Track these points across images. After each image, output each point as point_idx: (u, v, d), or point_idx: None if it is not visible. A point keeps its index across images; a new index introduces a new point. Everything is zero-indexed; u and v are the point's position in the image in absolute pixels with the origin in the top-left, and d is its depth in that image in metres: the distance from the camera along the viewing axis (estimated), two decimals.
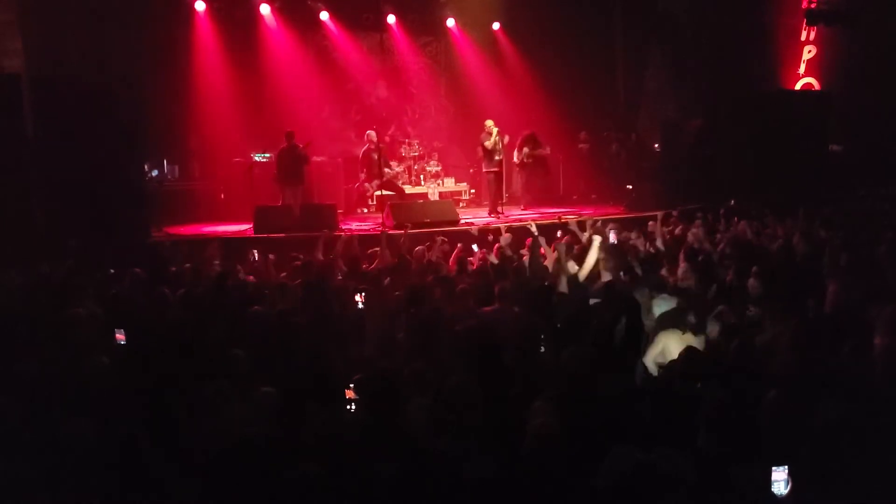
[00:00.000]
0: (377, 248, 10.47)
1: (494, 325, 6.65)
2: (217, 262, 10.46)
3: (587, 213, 14.76)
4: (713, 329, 6.42)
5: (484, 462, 4.09)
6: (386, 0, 18.36)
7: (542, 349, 6.21)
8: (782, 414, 4.57)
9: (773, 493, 3.92)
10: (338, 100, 18.83)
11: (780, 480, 3.92)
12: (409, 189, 16.98)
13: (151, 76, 15.32)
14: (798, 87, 18.98)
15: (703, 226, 10.79)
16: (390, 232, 12.00)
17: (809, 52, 18.94)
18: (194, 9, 16.64)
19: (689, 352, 5.48)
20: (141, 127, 13.37)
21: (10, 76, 12.42)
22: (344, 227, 14.05)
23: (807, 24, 18.31)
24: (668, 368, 5.67)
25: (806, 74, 19.04)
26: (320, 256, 10.15)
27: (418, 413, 4.94)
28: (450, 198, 16.85)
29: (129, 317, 7.14)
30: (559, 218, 12.12)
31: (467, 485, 3.98)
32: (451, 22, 19.14)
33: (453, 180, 18.26)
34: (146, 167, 15.29)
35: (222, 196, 16.86)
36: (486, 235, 11.50)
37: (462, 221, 14.17)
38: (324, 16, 17.99)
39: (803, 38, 18.84)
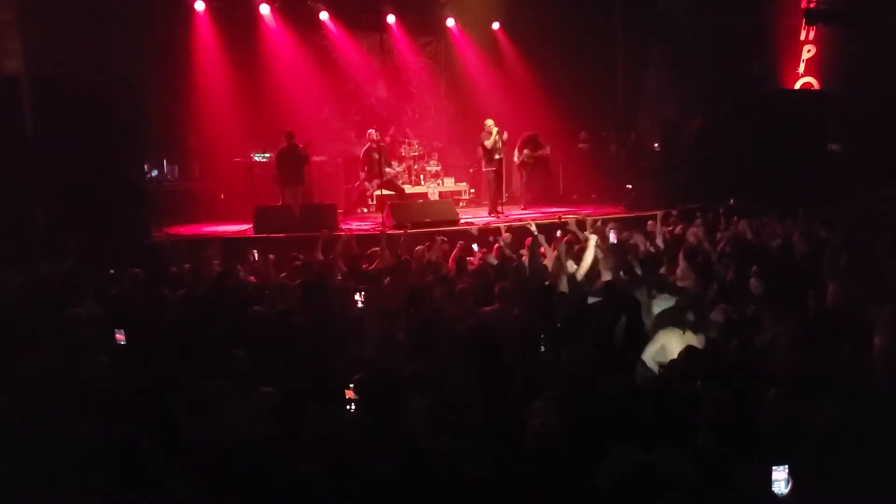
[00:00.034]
0: (377, 248, 10.47)
1: (494, 325, 6.65)
2: (217, 262, 10.45)
3: (587, 212, 14.77)
4: (713, 328, 6.42)
5: (484, 462, 4.09)
6: (386, 0, 18.35)
7: (542, 349, 6.21)
8: (782, 414, 4.57)
9: (773, 493, 3.92)
10: (338, 100, 18.84)
11: (780, 480, 3.93)
12: (408, 189, 16.98)
13: (151, 76, 15.32)
14: (797, 86, 18.98)
15: (703, 225, 10.78)
16: (390, 232, 12.00)
17: (809, 51, 18.94)
18: (194, 9, 16.64)
19: (688, 351, 5.48)
20: (141, 127, 13.38)
21: (10, 76, 12.42)
22: (344, 227, 14.06)
23: (806, 23, 18.29)
24: (668, 368, 5.67)
25: (805, 74, 19.04)
26: (320, 256, 10.15)
27: (418, 413, 4.94)
28: (450, 197, 16.86)
29: (128, 317, 7.15)
30: (559, 218, 12.12)
31: (467, 485, 3.98)
32: (450, 22, 19.13)
33: (453, 180, 18.27)
34: (146, 167, 15.29)
35: (222, 196, 16.86)
36: (485, 235, 11.49)
37: (462, 221, 14.17)
38: (323, 16, 18.00)
39: (802, 37, 18.84)
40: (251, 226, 13.77)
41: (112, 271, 9.44)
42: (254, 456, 4.28)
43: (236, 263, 10.05)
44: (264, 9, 17.45)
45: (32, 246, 10.97)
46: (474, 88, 19.08)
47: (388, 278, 8.85)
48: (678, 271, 8.33)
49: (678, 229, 11.53)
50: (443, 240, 11.23)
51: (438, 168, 18.02)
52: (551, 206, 16.52)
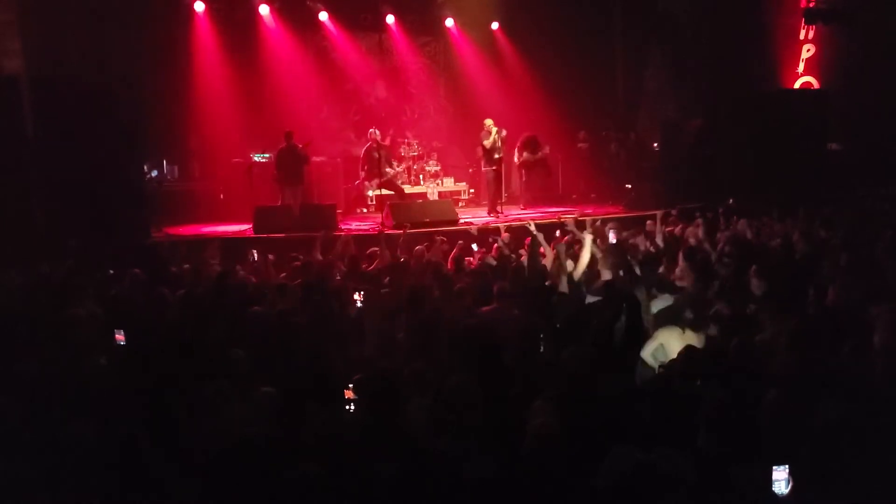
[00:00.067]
0: (376, 248, 10.47)
1: (493, 325, 6.65)
2: (217, 262, 10.45)
3: (587, 212, 14.76)
4: (712, 328, 6.43)
5: (484, 462, 4.09)
6: (385, 0, 18.35)
7: (542, 349, 6.21)
8: (782, 414, 4.57)
9: (773, 493, 3.92)
10: (337, 100, 18.85)
11: (780, 480, 3.93)
12: (408, 189, 16.97)
13: (151, 77, 15.33)
14: (797, 85, 18.98)
15: (703, 225, 10.78)
16: (389, 232, 12.00)
17: (808, 50, 18.94)
18: (193, 9, 16.64)
19: (688, 351, 5.48)
20: (140, 127, 13.38)
21: (10, 77, 12.42)
22: (343, 227, 14.06)
23: (805, 23, 18.31)
24: (667, 367, 5.67)
25: (805, 73, 19.04)
26: (319, 257, 10.14)
27: (418, 413, 4.94)
28: (449, 197, 16.86)
29: (128, 317, 7.15)
30: (559, 218, 12.12)
31: (467, 485, 3.98)
32: (449, 22, 19.14)
33: (452, 180, 18.27)
34: (146, 167, 15.29)
35: (222, 196, 16.87)
36: (485, 235, 11.49)
37: (461, 221, 14.17)
38: (323, 16, 18.00)
39: (802, 37, 18.84)
40: (251, 226, 13.77)
41: (112, 271, 9.44)
42: (254, 456, 4.28)
43: (236, 263, 10.05)
44: (264, 9, 17.45)
45: (32, 246, 10.98)
46: (473, 88, 19.08)
47: (388, 278, 8.84)
48: (677, 271, 8.32)
49: (678, 229, 11.53)
50: (442, 240, 11.23)
51: (438, 168, 18.01)
52: (551, 205, 16.53)
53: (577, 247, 9.30)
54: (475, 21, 19.07)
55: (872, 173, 15.84)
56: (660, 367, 6.01)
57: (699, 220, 10.96)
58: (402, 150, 17.67)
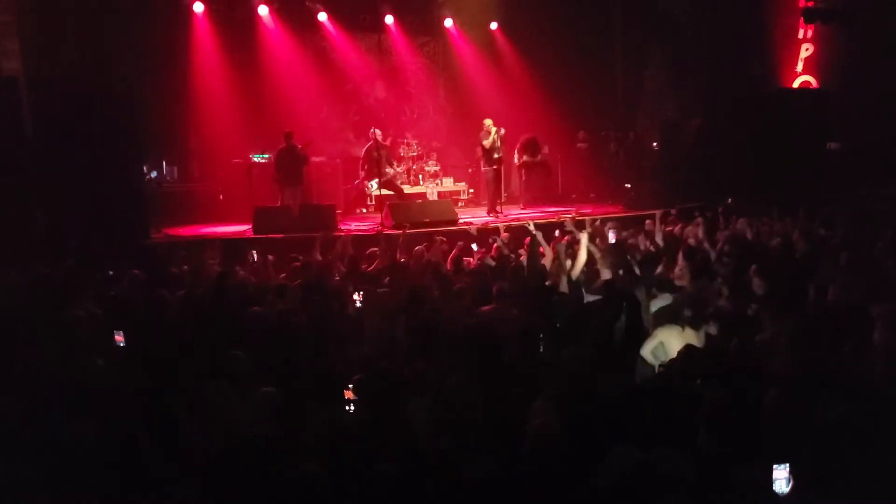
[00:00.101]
0: (376, 249, 10.47)
1: (492, 325, 6.65)
2: (216, 262, 10.44)
3: (584, 211, 14.77)
4: (712, 326, 6.43)
5: (484, 462, 4.09)
6: (384, 1, 18.34)
7: (541, 349, 6.22)
8: (782, 414, 4.57)
9: (774, 492, 3.92)
10: (336, 100, 18.83)
11: (781, 479, 3.93)
12: (407, 189, 16.94)
13: (150, 77, 15.31)
14: (795, 85, 18.98)
15: (703, 224, 10.78)
16: (389, 232, 11.99)
17: (807, 50, 18.94)
18: (192, 10, 16.62)
19: (688, 350, 5.49)
20: (140, 128, 13.33)
21: (9, 77, 12.41)
22: (343, 228, 14.05)
23: (804, 22, 18.33)
24: (667, 367, 5.68)
25: (803, 72, 19.04)
26: (318, 257, 10.14)
27: (418, 413, 4.94)
28: (448, 197, 16.85)
29: (128, 318, 7.15)
30: (559, 217, 12.12)
31: (467, 485, 3.98)
32: (448, 22, 19.12)
33: (452, 180, 18.24)
34: (145, 168, 15.24)
35: (221, 197, 16.86)
36: (484, 235, 11.49)
37: (461, 221, 14.16)
38: (322, 17, 17.98)
39: (801, 36, 18.85)
40: (250, 226, 13.76)
41: (111, 272, 9.44)
42: (254, 456, 4.28)
43: (235, 264, 10.04)
44: (263, 10, 17.43)
45: (32, 247, 10.97)
46: (473, 88, 19.07)
47: (388, 278, 8.84)
48: (676, 270, 8.33)
49: (677, 228, 11.53)
50: (442, 240, 11.22)
51: (437, 168, 17.99)
52: (550, 205, 16.52)
53: (576, 246, 9.30)
54: (474, 21, 19.07)
55: (872, 173, 15.84)
56: (660, 366, 6.02)
57: (699, 220, 10.95)
58: (401, 150, 17.65)
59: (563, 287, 7.97)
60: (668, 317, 6.65)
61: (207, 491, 4.22)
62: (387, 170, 16.04)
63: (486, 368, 5.44)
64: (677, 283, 7.80)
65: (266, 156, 16.34)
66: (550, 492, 3.97)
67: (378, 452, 4.33)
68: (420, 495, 4.01)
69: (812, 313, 6.90)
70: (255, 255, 10.37)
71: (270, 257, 10.31)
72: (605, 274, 8.15)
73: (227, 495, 4.15)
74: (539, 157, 16.96)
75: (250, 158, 16.44)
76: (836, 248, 9.14)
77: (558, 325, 6.78)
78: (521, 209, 16.58)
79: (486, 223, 13.78)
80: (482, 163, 15.84)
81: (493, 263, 9.62)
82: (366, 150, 16.03)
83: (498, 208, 15.55)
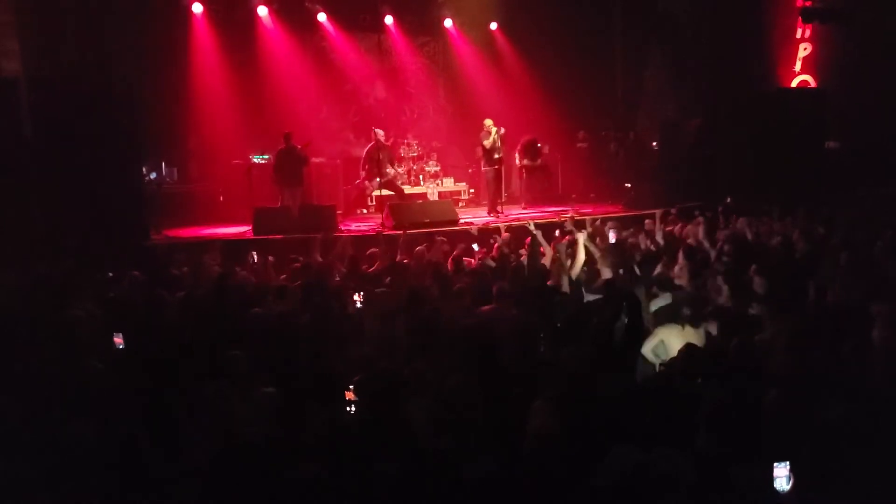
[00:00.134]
0: (376, 249, 10.47)
1: (492, 325, 6.65)
2: (216, 264, 10.43)
3: (584, 211, 14.79)
4: (712, 326, 6.44)
5: (484, 462, 4.09)
6: (383, 1, 18.34)
7: (537, 348, 6.22)
8: (782, 413, 4.57)
9: (774, 490, 3.92)
10: (336, 101, 18.83)
11: (781, 477, 3.93)
12: (408, 189, 16.92)
13: (149, 78, 15.31)
14: (794, 84, 18.98)
15: (703, 223, 10.78)
16: (390, 233, 12.00)
17: (805, 49, 18.93)
18: (191, 11, 16.61)
19: (688, 349, 5.49)
20: (139, 129, 13.32)
21: (9, 78, 12.41)
22: (343, 228, 14.06)
23: (802, 21, 18.35)
24: (668, 366, 5.68)
25: (802, 72, 19.04)
26: (318, 258, 10.14)
27: (418, 413, 4.94)
28: (449, 198, 16.85)
29: (127, 319, 7.15)
30: (559, 218, 12.13)
31: (467, 485, 3.98)
32: (448, 22, 19.13)
33: (452, 180, 18.23)
34: (144, 169, 15.23)
35: (221, 198, 16.85)
36: (485, 235, 11.49)
37: (461, 221, 14.16)
38: (321, 17, 17.98)
39: (799, 35, 18.85)
40: (250, 227, 13.75)
41: (111, 273, 9.44)
42: (254, 456, 4.28)
43: (235, 265, 10.04)
44: (262, 10, 17.43)
45: (32, 246, 10.97)
46: (473, 88, 19.07)
47: (388, 278, 8.85)
48: (675, 269, 8.33)
49: (677, 228, 11.54)
50: (442, 240, 11.22)
51: (437, 168, 17.98)
52: (551, 205, 16.52)
53: (576, 246, 9.31)
54: (474, 21, 19.08)
55: (871, 172, 15.83)
56: (660, 364, 6.02)
57: (700, 219, 10.95)
58: (401, 150, 17.63)
59: (565, 287, 7.97)
60: (668, 316, 6.66)
61: (207, 491, 4.21)
62: (387, 170, 16.03)
63: (485, 368, 5.44)
64: (677, 281, 7.80)
65: (266, 156, 16.34)
66: (550, 492, 3.97)
67: (378, 452, 4.33)
68: (420, 495, 4.01)
69: (812, 313, 6.90)
70: (256, 256, 10.37)
71: (270, 258, 10.31)
72: (606, 273, 8.16)
73: (227, 495, 4.15)
74: (539, 160, 17.01)
75: (250, 159, 16.45)
76: (836, 247, 9.14)
77: (558, 324, 6.78)
78: (523, 209, 16.58)
79: (487, 223, 13.78)
80: (482, 163, 15.84)
81: (493, 264, 9.62)
82: (367, 151, 15.99)
83: (498, 208, 15.56)
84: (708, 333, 6.42)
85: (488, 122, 15.43)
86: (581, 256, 8.37)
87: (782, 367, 5.39)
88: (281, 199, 14.86)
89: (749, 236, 10.57)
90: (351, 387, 5.17)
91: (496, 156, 15.39)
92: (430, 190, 17.36)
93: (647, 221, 11.74)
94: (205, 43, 16.82)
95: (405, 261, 9.96)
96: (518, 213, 15.74)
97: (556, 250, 9.12)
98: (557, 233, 11.06)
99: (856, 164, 16.44)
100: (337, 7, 18.07)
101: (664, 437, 4.23)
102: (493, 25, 19.29)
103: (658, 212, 11.50)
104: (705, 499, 3.89)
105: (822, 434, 4.21)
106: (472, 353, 5.69)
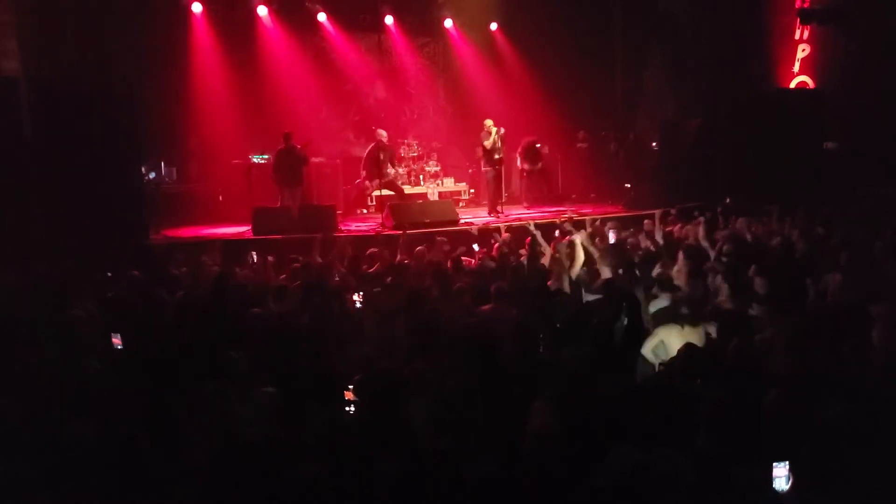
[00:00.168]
0: (375, 249, 10.48)
1: (491, 325, 6.66)
2: (216, 263, 10.43)
3: (583, 211, 14.81)
4: (712, 327, 6.44)
5: (484, 462, 4.09)
6: (384, 1, 18.33)
7: (537, 348, 6.22)
8: (782, 413, 4.57)
9: (774, 490, 3.92)
10: (336, 101, 18.83)
11: (781, 476, 3.93)
12: (408, 189, 16.91)
13: (149, 78, 15.31)
14: (792, 85, 18.98)
15: (703, 224, 10.78)
16: (388, 233, 12.00)
17: (803, 50, 18.92)
18: (191, 10, 16.62)
19: (688, 349, 5.48)
20: (139, 128, 13.32)
21: (8, 77, 12.41)
22: (343, 228, 14.06)
23: (800, 22, 18.35)
24: (668, 366, 5.68)
25: (800, 73, 19.04)
26: (318, 259, 10.14)
27: (418, 413, 4.94)
28: (449, 198, 16.85)
29: (126, 318, 7.15)
30: (560, 219, 12.14)
31: (467, 485, 3.98)
32: (448, 23, 19.12)
33: (452, 180, 18.24)
34: (144, 169, 15.23)
35: (220, 198, 16.83)
36: (485, 235, 11.50)
37: (462, 221, 14.15)
38: (321, 17, 17.98)
39: (797, 36, 18.84)
40: (250, 227, 13.75)
41: (110, 273, 9.44)
42: (254, 456, 4.28)
43: (235, 265, 10.04)
44: (262, 10, 17.43)
45: (31, 247, 10.97)
46: (473, 89, 19.07)
47: (389, 278, 8.85)
48: (674, 269, 8.32)
49: (677, 228, 11.54)
50: (443, 240, 11.22)
51: (438, 168, 17.98)
52: (551, 205, 16.51)
53: (574, 247, 9.32)
54: (474, 22, 19.08)
55: (870, 173, 15.83)
56: (660, 364, 6.02)
57: (700, 219, 10.94)
58: (401, 150, 17.63)
59: (565, 287, 7.98)
60: (667, 316, 6.66)
61: (207, 491, 4.21)
62: (388, 170, 16.03)
63: (485, 368, 5.44)
64: (676, 282, 7.80)
65: (265, 156, 16.35)
66: (550, 492, 3.97)
67: (378, 452, 4.33)
68: (420, 495, 4.01)
69: (812, 313, 6.90)
70: (255, 256, 10.37)
71: (270, 258, 10.30)
72: (605, 273, 8.17)
73: (227, 495, 4.15)
74: (539, 164, 17.01)
75: (250, 159, 16.46)
76: (835, 248, 9.13)
77: (558, 325, 6.78)
78: (525, 209, 16.58)
79: (487, 223, 13.78)
80: (482, 163, 15.84)
81: (493, 265, 9.61)
82: (369, 151, 15.97)
83: (499, 208, 15.56)
84: (708, 334, 6.42)
85: (488, 122, 15.43)
86: (580, 257, 8.38)
87: (782, 367, 5.39)
88: (281, 199, 14.85)
89: (748, 237, 10.56)
90: (350, 387, 5.17)
91: (496, 156, 15.39)
92: (431, 190, 17.35)
93: (646, 222, 11.74)
94: (205, 43, 16.82)
95: (405, 261, 9.96)
96: (518, 214, 15.73)
97: (555, 250, 9.12)
98: (557, 233, 11.06)
99: (855, 165, 16.44)
100: (337, 7, 18.07)
101: (664, 437, 4.23)
102: (494, 26, 19.29)
103: (657, 212, 11.49)
104: (705, 499, 3.89)
105: (821, 434, 4.21)
106: (472, 352, 5.69)
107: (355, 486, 4.09)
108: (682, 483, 3.83)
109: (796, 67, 18.99)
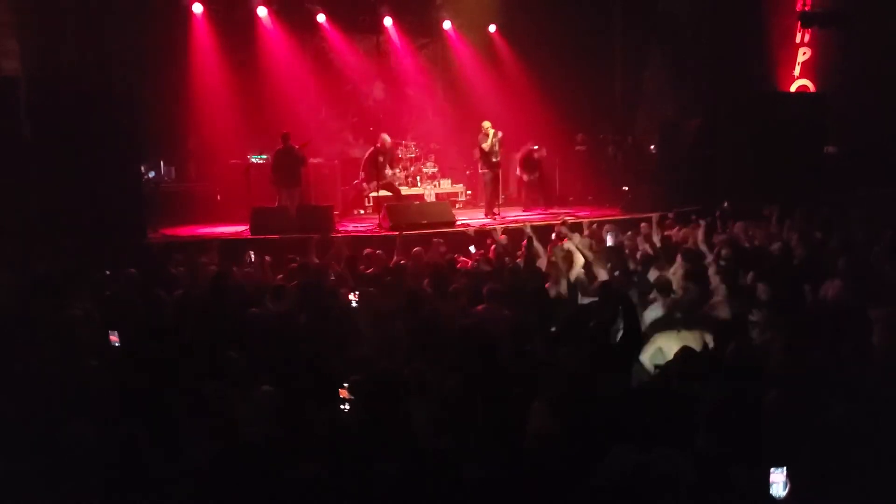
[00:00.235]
0: (370, 250, 10.49)
1: (485, 325, 6.67)
2: (214, 263, 10.43)
3: (582, 214, 14.82)
4: (709, 328, 6.44)
5: (484, 462, 4.09)
6: (383, 2, 18.34)
7: (533, 349, 6.22)
8: (782, 414, 4.58)
9: (771, 496, 3.93)
10: (335, 102, 18.86)
11: (778, 482, 3.93)
12: (405, 190, 16.94)
13: (149, 78, 15.36)
14: (793, 89, 18.99)
15: (701, 228, 10.78)
16: (387, 234, 12.00)
17: (804, 54, 18.93)
18: (191, 11, 16.64)
19: (684, 352, 5.48)
20: (138, 128, 13.33)
21: (8, 77, 12.42)
22: (340, 229, 14.07)
23: (801, 26, 18.36)
24: (664, 369, 5.68)
25: (801, 76, 19.05)
26: (315, 259, 10.14)
27: (418, 413, 4.94)
28: (446, 199, 16.88)
29: (124, 318, 7.14)
30: (560, 220, 12.16)
31: (467, 485, 3.98)
32: (447, 24, 19.15)
33: (450, 181, 18.27)
34: (143, 168, 15.24)
35: (219, 197, 16.86)
36: (482, 237, 11.50)
37: (458, 223, 14.16)
38: (320, 18, 18.01)
39: (798, 40, 18.85)
40: (248, 227, 13.75)
41: (108, 272, 9.44)
42: (254, 456, 4.28)
43: (233, 264, 10.04)
44: (262, 11, 17.46)
45: (30, 247, 10.96)
46: (471, 90, 19.09)
47: (389, 278, 8.85)
48: (671, 271, 8.33)
49: (674, 231, 11.54)
50: (439, 242, 11.22)
51: (435, 169, 18.01)
52: (549, 208, 16.52)
53: (572, 253, 9.33)
54: (473, 23, 19.11)
55: (870, 176, 15.84)
56: (655, 366, 6.02)
57: (699, 223, 10.94)
58: (399, 151, 17.65)
59: (563, 289, 7.98)
60: (663, 324, 6.67)
61: (207, 491, 4.22)
62: (386, 171, 16.05)
63: (485, 368, 5.44)
64: (675, 284, 7.80)
65: (264, 156, 16.38)
66: (550, 492, 3.98)
67: (378, 452, 4.33)
68: (420, 495, 4.01)
69: (812, 315, 6.90)
70: (253, 256, 10.37)
71: (268, 258, 10.31)
72: (602, 276, 8.18)
73: (227, 495, 4.15)
74: (537, 174, 17.00)
75: (248, 159, 16.49)
76: (834, 250, 9.14)
77: (556, 326, 6.78)
78: (522, 211, 16.60)
79: (484, 225, 13.79)
80: (480, 165, 15.88)
81: (488, 267, 9.61)
82: (369, 154, 15.98)
83: (496, 210, 15.57)
84: (704, 336, 6.42)
85: (486, 123, 15.47)
86: (579, 259, 8.40)
87: (782, 367, 5.39)
88: (279, 199, 14.87)
89: (745, 242, 10.56)
90: (346, 385, 5.16)
91: (494, 159, 15.42)
92: (428, 191, 17.38)
93: (642, 225, 11.72)
94: (205, 43, 16.85)
95: (402, 262, 9.96)
96: (515, 216, 15.74)
97: (552, 253, 9.13)
98: (554, 236, 11.06)
99: (855, 166, 16.45)
100: (336, 8, 18.12)
101: (664, 438, 4.23)
102: (492, 28, 19.31)
103: (655, 215, 11.49)
104: (705, 499, 3.89)
105: (821, 434, 4.21)
106: (471, 352, 5.69)
107: (355, 486, 4.09)
108: (682, 483, 3.83)
109: (797, 71, 18.99)
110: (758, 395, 4.78)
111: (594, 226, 11.76)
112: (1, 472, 4.08)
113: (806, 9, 18.02)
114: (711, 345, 6.23)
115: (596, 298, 7.47)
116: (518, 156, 17.02)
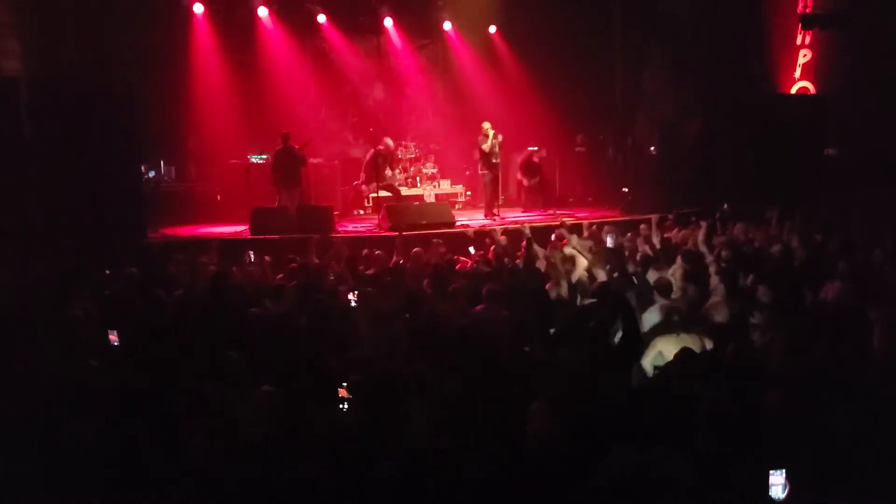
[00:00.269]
0: (370, 250, 10.49)
1: (484, 326, 6.67)
2: (213, 263, 10.43)
3: (581, 216, 14.82)
4: (708, 330, 6.44)
5: (484, 462, 4.09)
6: (383, 3, 18.34)
7: (533, 349, 6.22)
8: (782, 414, 4.58)
9: (770, 498, 3.93)
10: (335, 102, 18.87)
11: (777, 484, 3.93)
12: (405, 191, 16.95)
13: (149, 78, 15.36)
14: (793, 91, 18.98)
15: (701, 230, 10.77)
16: (387, 234, 12.01)
17: (805, 56, 18.92)
18: (192, 11, 16.65)
19: (684, 352, 5.48)
20: (138, 128, 13.34)
21: (9, 77, 12.42)
22: (340, 229, 14.07)
23: (802, 28, 18.35)
24: (663, 370, 5.68)
25: (801, 78, 19.04)
26: (315, 260, 10.14)
27: (418, 413, 4.94)
28: (446, 200, 16.88)
29: (124, 317, 7.14)
30: (560, 222, 12.16)
31: (467, 485, 3.98)
32: (447, 25, 19.14)
33: (449, 182, 18.27)
34: (143, 168, 15.24)
35: (219, 197, 16.88)
36: (481, 237, 11.51)
37: (458, 223, 14.16)
38: (321, 18, 18.01)
39: (798, 42, 18.85)
40: (248, 227, 13.76)
41: (108, 272, 9.44)
42: (254, 456, 4.28)
43: (232, 264, 10.05)
44: (262, 11, 17.46)
45: (30, 246, 10.97)
46: (471, 91, 19.08)
47: (388, 278, 8.85)
48: (669, 272, 8.32)
49: (674, 233, 11.54)
50: (439, 242, 11.22)
51: (435, 170, 18.02)
52: (549, 209, 16.52)
53: (573, 256, 9.33)
54: (473, 24, 19.09)
55: (870, 177, 15.83)
56: (655, 367, 6.02)
57: (699, 225, 10.94)
58: (399, 152, 17.65)
59: (563, 291, 7.98)
60: (662, 329, 6.67)
61: (207, 491, 4.22)
62: (386, 172, 16.05)
63: (482, 368, 5.44)
64: (674, 286, 7.80)
65: (264, 157, 16.38)
66: (550, 492, 3.98)
67: (378, 452, 4.33)
68: (420, 495, 4.01)
69: (812, 316, 6.90)
70: (252, 256, 10.37)
71: (267, 258, 10.31)
72: (601, 277, 8.18)
73: (227, 495, 4.15)
74: (537, 178, 16.99)
75: (248, 159, 16.50)
76: (835, 251, 9.15)
77: (556, 326, 6.78)
78: (522, 212, 16.60)
79: (484, 226, 13.78)
80: (480, 166, 15.86)
81: (487, 268, 9.61)
82: (371, 156, 15.99)
83: (495, 211, 15.57)
84: (703, 338, 6.41)
85: (486, 124, 15.46)
86: (582, 262, 8.41)
87: (782, 368, 5.40)
88: (279, 199, 14.87)
89: (745, 243, 10.56)
90: (344, 384, 5.16)
91: (494, 160, 15.41)
92: (427, 192, 17.38)
93: (642, 227, 11.71)
94: (205, 43, 16.86)
95: (402, 262, 9.97)
96: (515, 217, 15.74)
97: (551, 255, 9.13)
98: (553, 237, 11.06)
99: (854, 170, 16.44)
100: (336, 9, 18.12)
101: (664, 438, 4.23)
102: (492, 28, 19.30)
103: (654, 217, 11.49)
104: (705, 499, 3.89)
105: (821, 435, 4.22)
106: (470, 353, 5.69)
107: (355, 487, 4.09)
108: (682, 483, 3.84)
109: (797, 73, 18.98)
110: (758, 395, 4.78)
111: (594, 227, 11.75)
112: (1, 472, 4.08)
113: (807, 10, 18.00)
114: (710, 337, 6.25)
115: (593, 300, 7.46)
116: (519, 161, 17.06)
